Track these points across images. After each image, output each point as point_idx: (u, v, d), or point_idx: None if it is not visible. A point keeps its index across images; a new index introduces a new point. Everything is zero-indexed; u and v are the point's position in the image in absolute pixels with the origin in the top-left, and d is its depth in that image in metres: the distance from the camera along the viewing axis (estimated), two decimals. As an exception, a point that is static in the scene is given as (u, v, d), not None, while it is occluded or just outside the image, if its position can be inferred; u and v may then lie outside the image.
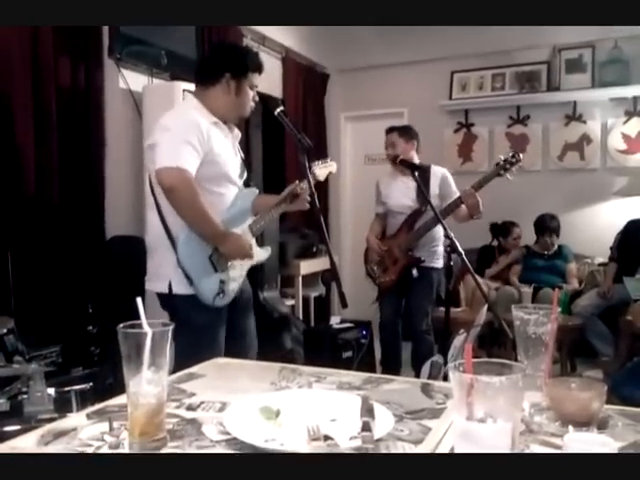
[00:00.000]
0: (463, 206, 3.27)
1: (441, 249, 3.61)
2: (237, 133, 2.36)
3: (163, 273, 2.16)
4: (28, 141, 2.91)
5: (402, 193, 3.57)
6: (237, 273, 2.26)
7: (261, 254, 2.37)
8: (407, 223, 3.55)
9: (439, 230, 3.48)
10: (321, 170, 2.44)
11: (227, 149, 2.22)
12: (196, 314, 2.14)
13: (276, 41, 5.04)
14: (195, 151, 2.05)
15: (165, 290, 2.15)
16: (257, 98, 2.29)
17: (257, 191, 2.36)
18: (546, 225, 4.60)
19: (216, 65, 2.23)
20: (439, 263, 3.60)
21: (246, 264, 2.30)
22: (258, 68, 2.26)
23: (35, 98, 2.96)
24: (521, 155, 3.19)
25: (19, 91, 2.88)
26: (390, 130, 3.66)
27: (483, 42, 5.12)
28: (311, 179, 2.13)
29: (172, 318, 2.16)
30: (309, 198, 2.27)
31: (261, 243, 2.43)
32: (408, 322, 3.64)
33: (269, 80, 4.89)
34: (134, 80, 3.59)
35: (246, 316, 2.40)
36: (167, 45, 3.61)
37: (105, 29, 3.36)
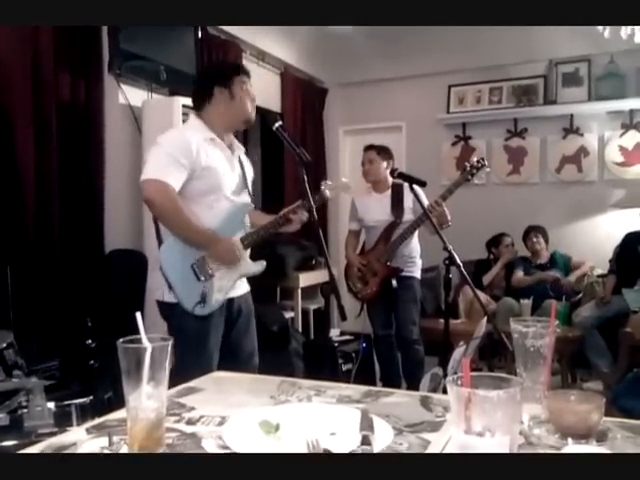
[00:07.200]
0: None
1: (419, 260, 3.74)
2: (239, 148, 2.39)
3: (158, 282, 2.21)
4: (28, 155, 2.93)
5: (378, 209, 3.68)
6: (224, 284, 2.22)
7: (252, 267, 2.34)
8: (384, 236, 3.65)
9: (416, 241, 3.69)
10: (331, 191, 2.44)
11: (220, 164, 2.23)
12: (184, 321, 2.16)
13: (275, 56, 5.08)
14: (181, 166, 2.10)
15: (160, 297, 2.21)
16: (255, 99, 2.32)
17: (252, 206, 2.36)
18: (530, 228, 4.70)
19: (204, 83, 2.33)
20: (418, 273, 3.72)
21: (234, 275, 2.26)
22: (241, 71, 2.33)
23: (35, 113, 2.98)
24: (486, 160, 3.28)
25: (19, 106, 2.90)
26: (369, 148, 3.80)
27: (480, 56, 5.17)
28: (311, 196, 2.13)
29: (168, 325, 2.25)
30: (302, 221, 2.33)
31: (258, 256, 2.39)
32: (398, 333, 3.69)
33: (268, 95, 4.93)
34: (133, 95, 3.62)
35: (247, 334, 2.38)
36: (166, 60, 3.64)
37: (105, 45, 3.39)
